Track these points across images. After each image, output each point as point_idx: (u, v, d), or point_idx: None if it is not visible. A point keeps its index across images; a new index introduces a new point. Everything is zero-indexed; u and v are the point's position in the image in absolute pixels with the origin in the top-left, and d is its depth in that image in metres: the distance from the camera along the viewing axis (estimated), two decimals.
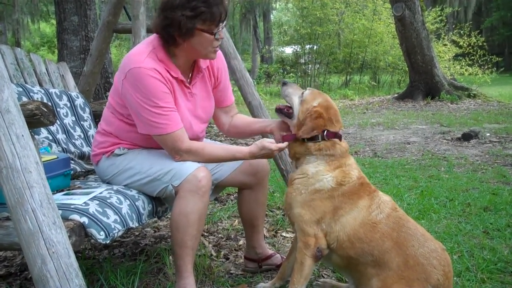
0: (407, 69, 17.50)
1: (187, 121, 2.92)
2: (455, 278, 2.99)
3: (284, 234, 4.04)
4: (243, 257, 3.46)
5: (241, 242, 3.84)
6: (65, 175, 2.95)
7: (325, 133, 2.72)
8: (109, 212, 2.59)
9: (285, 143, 2.82)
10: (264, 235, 3.72)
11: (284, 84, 2.96)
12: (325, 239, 2.60)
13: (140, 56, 2.75)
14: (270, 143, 2.82)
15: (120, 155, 2.97)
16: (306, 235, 2.60)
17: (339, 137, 2.76)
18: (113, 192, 2.78)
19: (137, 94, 2.70)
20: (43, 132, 3.55)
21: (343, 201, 2.60)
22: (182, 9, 2.67)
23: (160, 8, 2.78)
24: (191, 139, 2.91)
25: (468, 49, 20.12)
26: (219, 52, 3.14)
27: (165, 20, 2.72)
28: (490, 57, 19.69)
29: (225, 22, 2.82)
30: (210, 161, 2.89)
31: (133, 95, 2.72)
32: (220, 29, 2.78)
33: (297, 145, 2.77)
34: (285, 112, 2.89)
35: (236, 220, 4.32)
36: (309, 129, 2.69)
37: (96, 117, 4.13)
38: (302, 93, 2.85)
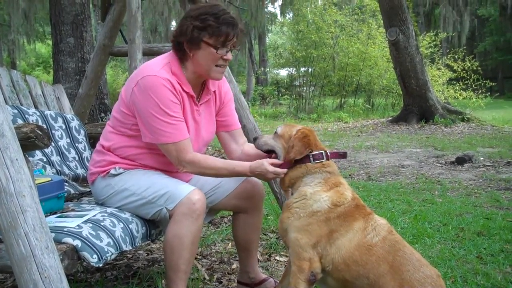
0: (401, 92, 17.58)
1: (191, 138, 2.94)
2: None
3: (277, 258, 4.02)
4: (236, 281, 3.44)
5: (234, 266, 3.82)
6: (58, 197, 2.94)
7: (328, 153, 2.80)
8: (103, 235, 2.58)
9: (283, 170, 2.79)
10: (258, 258, 3.70)
11: (256, 138, 3.03)
12: (320, 262, 2.59)
13: (155, 66, 2.83)
14: (269, 163, 2.79)
15: (116, 175, 2.97)
16: (301, 259, 2.59)
17: (326, 157, 2.81)
18: (106, 215, 2.78)
19: (147, 102, 2.75)
20: (38, 154, 3.55)
21: (339, 224, 2.60)
22: (194, 19, 2.80)
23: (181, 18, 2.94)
24: None
25: (462, 73, 20.24)
26: (224, 79, 3.20)
27: (179, 27, 2.86)
28: (484, 81, 19.82)
29: (236, 45, 2.91)
30: (211, 174, 2.90)
31: (143, 102, 2.76)
32: (228, 49, 2.86)
33: (293, 170, 2.77)
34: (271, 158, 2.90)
35: (230, 243, 4.31)
36: (300, 148, 2.73)
37: (91, 139, 4.14)
38: (275, 132, 2.92)
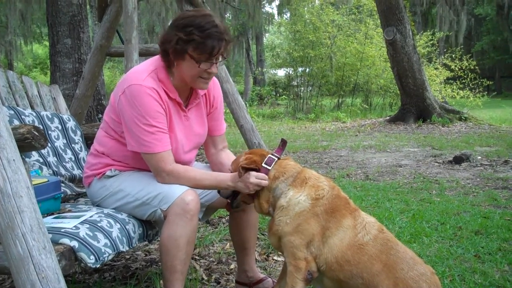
0: (398, 92, 17.58)
1: (180, 143, 2.96)
2: None
3: (275, 257, 4.02)
4: (234, 281, 3.44)
5: (232, 266, 3.82)
6: (55, 198, 2.94)
7: (275, 153, 2.84)
8: (100, 236, 2.58)
9: (265, 182, 2.75)
10: (256, 258, 3.70)
11: (218, 191, 3.03)
12: (315, 262, 2.60)
13: (142, 74, 2.82)
14: (253, 176, 2.76)
15: (111, 177, 2.99)
16: (297, 259, 2.59)
17: (276, 157, 2.83)
18: (103, 215, 2.78)
19: (132, 110, 2.75)
20: (34, 155, 3.54)
21: (327, 219, 2.60)
22: (179, 30, 2.75)
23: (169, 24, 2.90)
24: (182, 162, 2.94)
25: (459, 72, 20.28)
26: (218, 83, 3.19)
27: (165, 35, 2.82)
28: (481, 80, 19.85)
29: (220, 58, 2.85)
30: (192, 185, 2.86)
31: (128, 111, 2.76)
32: (213, 62, 2.81)
33: (260, 194, 2.79)
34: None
35: (228, 244, 4.31)
36: (245, 160, 2.80)
37: (88, 139, 4.14)
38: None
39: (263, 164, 2.78)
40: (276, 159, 2.81)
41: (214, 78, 3.12)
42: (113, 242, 2.62)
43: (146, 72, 2.83)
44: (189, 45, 2.73)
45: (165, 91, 2.83)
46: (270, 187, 2.75)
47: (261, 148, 2.97)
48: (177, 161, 2.91)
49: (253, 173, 2.76)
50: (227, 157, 3.27)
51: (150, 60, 2.96)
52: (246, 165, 2.76)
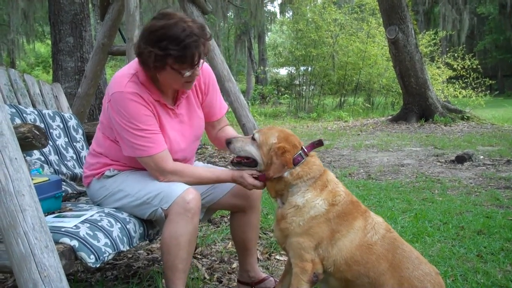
0: (401, 91, 17.55)
1: (175, 141, 2.94)
2: None
3: (278, 257, 4.02)
4: (236, 281, 3.44)
5: (234, 265, 3.82)
6: (56, 197, 2.94)
7: (305, 149, 2.75)
8: (100, 235, 2.58)
9: (261, 183, 2.80)
10: (258, 258, 3.70)
11: (229, 143, 2.89)
12: (322, 263, 2.59)
13: (123, 79, 2.79)
14: (249, 176, 2.80)
15: (110, 176, 2.99)
16: (304, 261, 2.58)
17: (305, 154, 2.75)
18: (104, 215, 2.78)
19: (120, 118, 2.75)
20: (35, 153, 3.54)
21: (339, 223, 2.59)
22: (153, 46, 2.66)
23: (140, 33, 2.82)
24: (180, 158, 2.95)
25: (461, 71, 20.21)
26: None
27: (140, 49, 2.73)
28: (484, 79, 19.79)
29: (200, 63, 2.77)
30: (194, 182, 2.87)
31: (116, 118, 2.76)
32: (196, 67, 2.75)
33: (275, 183, 2.73)
34: (246, 163, 2.83)
35: (230, 243, 4.30)
36: (279, 167, 2.66)
37: (89, 138, 4.13)
38: (252, 138, 2.81)
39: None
40: (305, 158, 2.74)
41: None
42: (113, 242, 2.62)
43: (127, 77, 2.80)
44: (168, 59, 2.66)
45: (148, 93, 2.81)
46: (290, 183, 2.69)
47: (292, 134, 2.85)
48: (175, 158, 2.91)
49: (249, 172, 2.81)
50: (225, 133, 3.27)
51: (132, 62, 2.92)
52: (279, 174, 2.68)
